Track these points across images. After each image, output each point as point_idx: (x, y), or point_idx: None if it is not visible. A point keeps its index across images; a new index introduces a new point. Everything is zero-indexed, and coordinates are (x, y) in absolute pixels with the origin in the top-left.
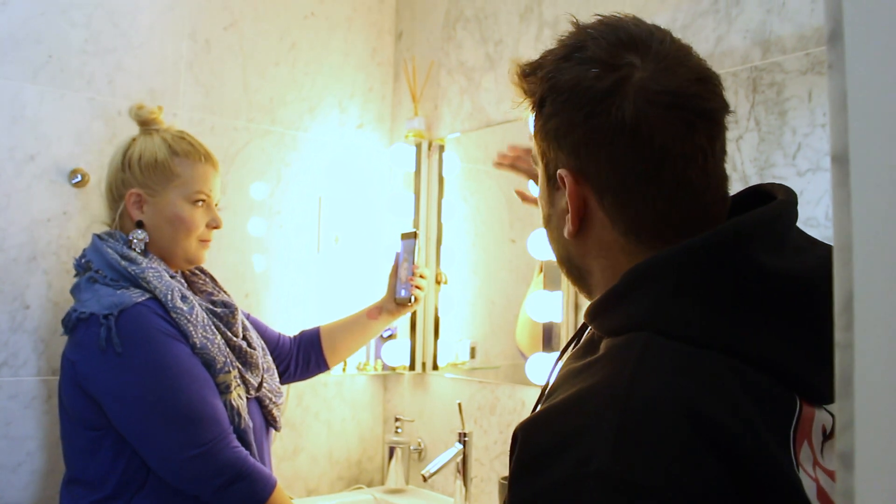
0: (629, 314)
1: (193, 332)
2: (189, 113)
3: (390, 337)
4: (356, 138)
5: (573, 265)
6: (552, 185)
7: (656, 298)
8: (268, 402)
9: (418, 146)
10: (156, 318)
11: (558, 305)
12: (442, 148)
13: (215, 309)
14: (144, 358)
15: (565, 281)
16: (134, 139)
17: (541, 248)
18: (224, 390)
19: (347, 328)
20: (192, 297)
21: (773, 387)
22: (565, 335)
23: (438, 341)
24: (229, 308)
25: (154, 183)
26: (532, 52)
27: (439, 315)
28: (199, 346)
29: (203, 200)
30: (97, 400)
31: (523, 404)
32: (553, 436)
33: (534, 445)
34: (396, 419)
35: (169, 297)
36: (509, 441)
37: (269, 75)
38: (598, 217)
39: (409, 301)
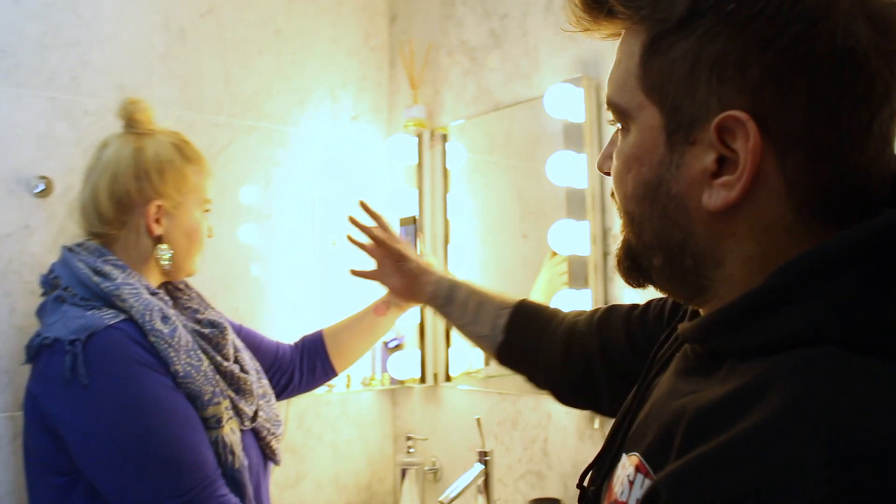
0: (797, 322)
1: (175, 359)
2: (165, 109)
3: (397, 347)
4: (351, 131)
5: (689, 252)
6: (680, 136)
7: (842, 299)
8: (265, 433)
9: (419, 136)
10: (130, 343)
11: (587, 305)
12: (445, 137)
13: (202, 329)
14: (115, 391)
15: (594, 277)
16: (137, 140)
17: (565, 241)
18: (214, 425)
19: (353, 328)
20: (174, 318)
21: None
22: None
23: (450, 349)
24: (218, 328)
25: (176, 193)
26: (544, 26)
27: None
28: (181, 374)
29: (208, 210)
30: (64, 440)
31: (549, 417)
32: (726, 494)
33: None
34: (408, 438)
35: (147, 317)
36: (534, 459)
37: (252, 66)
38: (772, 182)
39: None
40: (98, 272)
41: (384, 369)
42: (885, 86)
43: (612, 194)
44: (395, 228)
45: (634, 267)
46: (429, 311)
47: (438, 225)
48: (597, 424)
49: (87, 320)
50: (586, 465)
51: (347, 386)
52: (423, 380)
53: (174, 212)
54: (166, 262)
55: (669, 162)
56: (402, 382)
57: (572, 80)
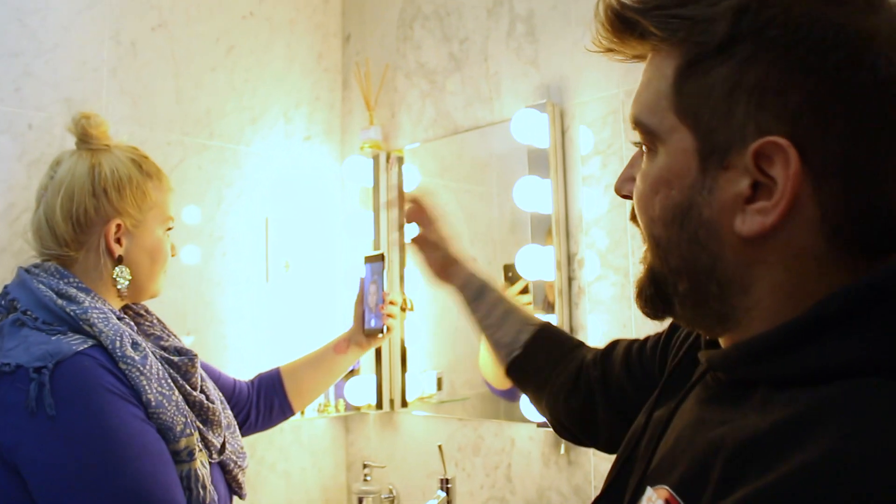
0: (843, 353)
1: (147, 388)
2: (114, 126)
3: (352, 373)
4: (304, 152)
5: (716, 278)
6: (714, 160)
7: (890, 331)
8: (232, 465)
9: (375, 158)
10: (101, 371)
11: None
12: (401, 160)
13: (170, 357)
14: (84, 422)
15: (559, 302)
16: (93, 156)
17: (531, 267)
18: (186, 458)
19: (312, 366)
20: (143, 344)
21: None
22: None
23: (406, 374)
24: (187, 355)
25: (136, 211)
26: (505, 51)
27: (405, 345)
28: (153, 404)
29: (171, 228)
30: (21, 474)
31: (513, 443)
32: None
33: None
34: (365, 465)
35: (117, 343)
36: (497, 485)
37: (204, 83)
38: (806, 209)
39: (382, 331)
40: (62, 295)
41: (339, 395)
42: None
43: (632, 217)
44: (361, 267)
45: (658, 295)
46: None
47: (394, 248)
48: (562, 450)
49: (53, 346)
50: (552, 490)
51: (301, 413)
52: (379, 406)
53: (135, 231)
54: (122, 285)
55: (701, 186)
56: (357, 408)
57: (537, 105)
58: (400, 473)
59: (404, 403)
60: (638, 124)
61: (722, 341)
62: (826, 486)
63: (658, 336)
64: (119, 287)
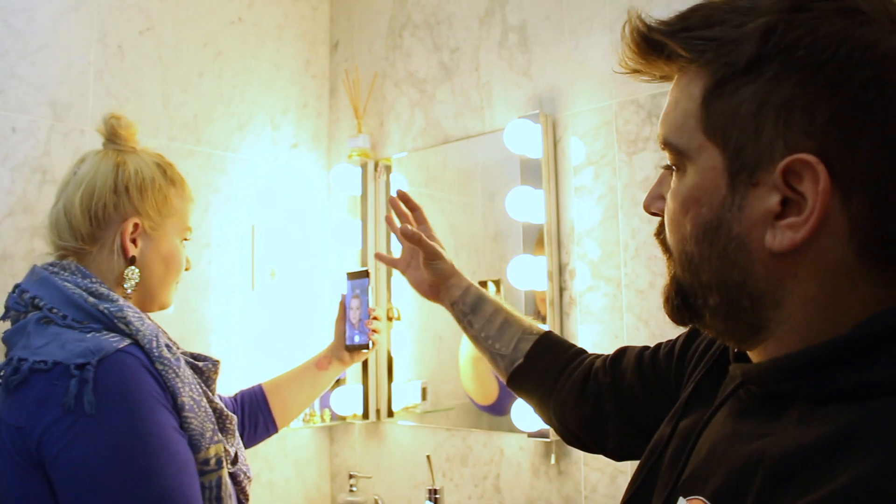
0: (889, 370)
1: (182, 390)
2: None
3: (338, 382)
4: (291, 159)
5: (747, 292)
6: (743, 178)
7: None
8: (242, 477)
9: (363, 167)
10: (142, 371)
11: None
12: (389, 168)
13: (195, 362)
14: (120, 425)
15: (550, 312)
16: (119, 156)
17: (523, 277)
18: (215, 466)
19: (295, 382)
20: (175, 347)
21: None
22: None
23: (392, 385)
24: (211, 362)
25: (155, 214)
26: (496, 60)
27: (391, 355)
28: (186, 407)
29: (188, 239)
30: (49, 477)
31: (502, 453)
32: None
33: None
34: (351, 475)
35: (154, 343)
36: (485, 496)
37: (192, 88)
38: (835, 225)
39: (367, 347)
40: (93, 293)
41: (325, 405)
42: None
43: (657, 233)
44: (343, 282)
45: (685, 306)
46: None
47: None
48: (553, 460)
49: (92, 343)
50: (541, 501)
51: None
52: (365, 416)
53: (152, 234)
54: (129, 286)
55: (731, 203)
56: (343, 418)
57: (530, 115)
58: (386, 484)
59: (390, 413)
60: (667, 144)
61: (753, 354)
62: (878, 501)
63: (671, 344)
64: (125, 287)
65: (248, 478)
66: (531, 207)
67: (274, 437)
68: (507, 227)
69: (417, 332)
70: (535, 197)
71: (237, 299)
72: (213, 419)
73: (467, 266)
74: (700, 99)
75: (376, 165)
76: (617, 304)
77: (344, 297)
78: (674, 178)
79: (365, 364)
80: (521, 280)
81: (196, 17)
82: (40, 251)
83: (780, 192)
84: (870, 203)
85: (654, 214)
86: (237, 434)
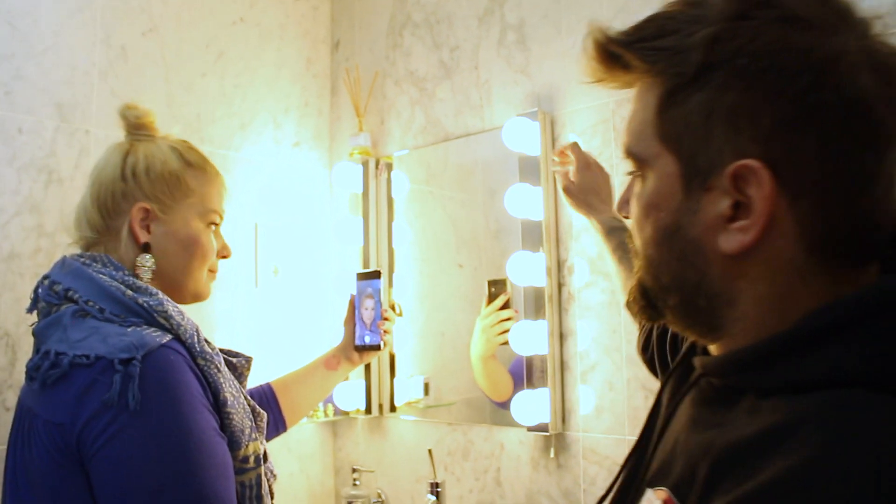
0: (827, 365)
1: (224, 385)
2: (104, 130)
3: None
4: (293, 158)
5: (702, 292)
6: (696, 183)
7: (872, 345)
8: (269, 475)
9: (364, 165)
10: (186, 369)
11: (543, 336)
12: (390, 166)
13: (231, 359)
14: (161, 424)
15: (549, 308)
16: (131, 144)
17: (522, 273)
18: (254, 464)
19: (305, 381)
20: (212, 342)
21: None
22: (551, 368)
23: (395, 380)
24: (244, 358)
25: (166, 197)
26: (496, 59)
27: (394, 350)
28: (228, 403)
29: (216, 223)
30: (85, 466)
31: (502, 447)
32: None
33: None
34: (354, 469)
35: (195, 338)
36: (486, 489)
37: (195, 88)
38: (784, 226)
39: (379, 347)
40: (130, 286)
41: (329, 400)
42: (889, 131)
43: (629, 238)
44: (353, 283)
45: (649, 306)
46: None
47: (383, 253)
48: (552, 454)
49: (134, 338)
50: (541, 494)
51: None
52: (368, 410)
53: (165, 217)
54: (143, 273)
55: (687, 207)
56: (346, 413)
57: (528, 113)
58: (388, 478)
59: (393, 408)
60: (628, 153)
61: (713, 348)
62: (804, 492)
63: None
64: (141, 276)
65: (274, 475)
66: (530, 204)
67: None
68: (507, 223)
69: (420, 328)
70: (534, 194)
71: (241, 296)
72: (251, 416)
73: (468, 262)
74: (655, 108)
75: (377, 163)
76: (615, 300)
77: (353, 296)
78: (637, 184)
79: None
80: (521, 276)
81: (198, 18)
82: (47, 250)
83: (731, 196)
84: (816, 205)
85: (625, 218)
86: (264, 432)
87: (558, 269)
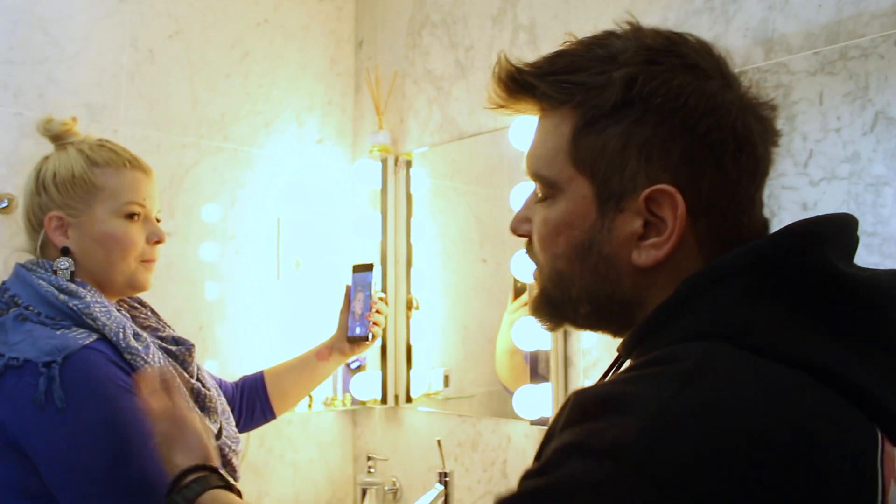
0: (688, 324)
1: None
2: (132, 129)
3: (359, 369)
4: (316, 155)
5: (617, 301)
6: (610, 205)
7: (722, 303)
8: (227, 450)
9: (384, 162)
10: (108, 365)
11: (547, 332)
12: (409, 163)
13: (168, 347)
14: (91, 416)
15: None
16: (47, 157)
17: (527, 269)
18: None
19: (295, 371)
20: (144, 335)
21: (851, 414)
22: (554, 364)
23: (411, 371)
24: (184, 345)
25: (75, 201)
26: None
27: (411, 343)
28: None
29: (137, 213)
30: (36, 465)
31: (509, 440)
32: (606, 394)
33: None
34: (369, 458)
35: (121, 335)
36: (493, 480)
37: (219, 88)
38: (687, 242)
39: (367, 339)
40: (63, 290)
41: (346, 390)
42: (766, 164)
43: (528, 251)
44: (349, 275)
45: (556, 315)
46: (389, 337)
47: (401, 249)
48: None
49: (59, 340)
50: None
51: (309, 406)
52: (384, 401)
53: (77, 220)
54: (62, 275)
55: (601, 226)
56: (363, 403)
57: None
58: (403, 466)
59: (409, 399)
60: (536, 176)
61: None
62: (633, 380)
63: None
64: (61, 277)
65: (234, 451)
66: None
67: (296, 419)
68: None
69: (442, 322)
70: None
71: (263, 288)
72: (188, 398)
73: (492, 257)
74: (569, 136)
75: (396, 160)
76: None
77: (349, 288)
78: (543, 205)
79: (384, 351)
80: (527, 272)
81: (223, 20)
82: None
83: (643, 216)
84: (712, 222)
85: (521, 236)
86: (221, 411)
87: None
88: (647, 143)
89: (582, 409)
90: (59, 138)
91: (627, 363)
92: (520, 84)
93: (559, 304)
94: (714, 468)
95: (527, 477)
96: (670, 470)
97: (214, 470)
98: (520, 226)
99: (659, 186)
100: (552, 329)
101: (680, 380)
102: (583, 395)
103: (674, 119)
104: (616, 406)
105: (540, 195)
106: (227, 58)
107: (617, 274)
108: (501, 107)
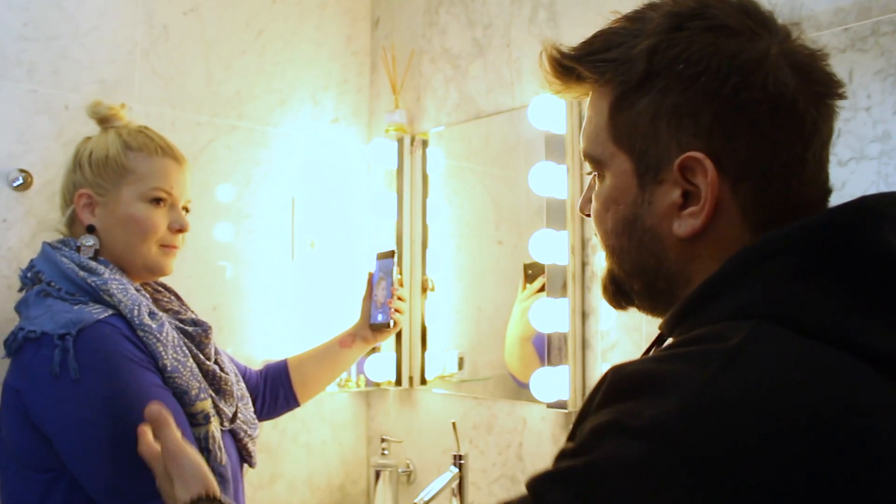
0: (734, 303)
1: (163, 353)
2: (146, 107)
3: (374, 350)
4: (331, 134)
5: (661, 275)
6: (649, 177)
7: (771, 282)
8: (242, 434)
9: (400, 141)
10: (121, 339)
11: (565, 314)
12: (425, 143)
13: (185, 328)
14: (104, 387)
15: (572, 286)
16: (89, 138)
17: (546, 251)
18: (202, 421)
19: (318, 359)
20: (160, 314)
21: None
22: (572, 346)
23: (426, 353)
24: (202, 327)
25: (104, 181)
26: (526, 36)
27: (426, 324)
28: (169, 369)
29: (163, 199)
30: (47, 436)
31: (524, 423)
32: (640, 372)
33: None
34: (383, 440)
35: (135, 312)
36: (508, 463)
37: (234, 65)
38: (728, 209)
39: (389, 326)
40: (83, 267)
41: (360, 371)
42: (812, 121)
43: (595, 232)
44: (372, 262)
45: (620, 293)
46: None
47: (417, 229)
48: None
49: (75, 315)
50: None
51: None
52: (398, 383)
53: (104, 199)
54: (85, 252)
55: (642, 199)
56: (377, 385)
57: None
58: (417, 449)
59: (423, 381)
60: (586, 156)
61: None
62: (676, 357)
63: None
64: (82, 254)
65: (250, 436)
66: (555, 182)
67: (311, 400)
68: (532, 201)
69: (457, 303)
70: (559, 172)
71: (277, 268)
72: (200, 379)
73: (508, 239)
74: (607, 113)
75: (412, 140)
76: None
77: (371, 275)
78: (596, 183)
79: (399, 333)
80: (544, 254)
81: None
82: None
83: (680, 186)
84: (754, 188)
85: (587, 216)
86: (239, 396)
87: (582, 247)
88: (675, 111)
89: (619, 386)
90: (104, 121)
91: (669, 341)
92: (564, 68)
93: (620, 280)
94: (757, 451)
95: (562, 457)
96: (710, 452)
97: (216, 499)
98: (584, 206)
99: (689, 154)
100: (618, 307)
101: (724, 359)
102: (620, 371)
103: (697, 84)
104: (655, 384)
105: (594, 174)
106: (243, 35)
107: (661, 247)
108: (559, 92)
